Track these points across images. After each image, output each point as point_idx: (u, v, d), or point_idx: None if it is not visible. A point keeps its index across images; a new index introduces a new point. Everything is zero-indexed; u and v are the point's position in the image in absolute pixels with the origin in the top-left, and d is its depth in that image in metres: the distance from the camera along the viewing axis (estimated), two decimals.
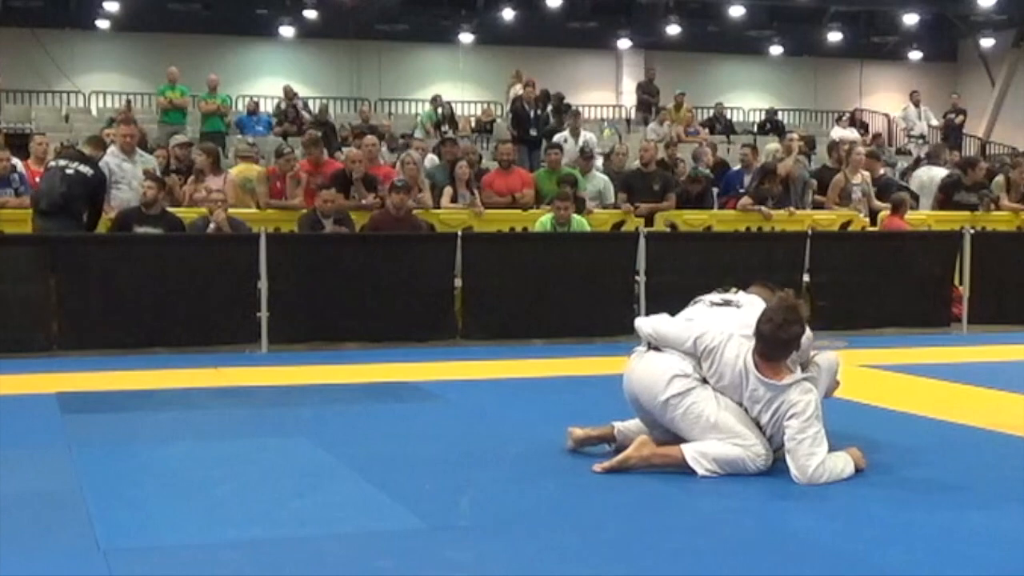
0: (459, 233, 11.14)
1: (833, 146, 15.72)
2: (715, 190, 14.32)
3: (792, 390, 5.44)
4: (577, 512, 4.97)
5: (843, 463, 5.42)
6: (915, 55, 28.16)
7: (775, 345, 5.46)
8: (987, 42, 27.67)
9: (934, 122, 23.77)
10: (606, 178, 13.53)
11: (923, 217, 13.69)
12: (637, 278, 11.13)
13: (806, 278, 11.42)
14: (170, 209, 10.99)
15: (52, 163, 11.11)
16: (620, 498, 5.18)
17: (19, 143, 15.14)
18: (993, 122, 27.54)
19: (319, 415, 7.26)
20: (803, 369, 5.57)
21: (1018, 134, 26.32)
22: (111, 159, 11.55)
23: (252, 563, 4.23)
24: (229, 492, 5.26)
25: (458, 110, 23.63)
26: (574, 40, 26.36)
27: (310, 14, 24.73)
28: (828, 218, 13.24)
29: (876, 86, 28.47)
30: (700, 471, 5.41)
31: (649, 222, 12.52)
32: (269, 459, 6.03)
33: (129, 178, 11.49)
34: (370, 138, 13.51)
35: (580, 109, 19.71)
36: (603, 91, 27.18)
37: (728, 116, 24.93)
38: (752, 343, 5.52)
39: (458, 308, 10.88)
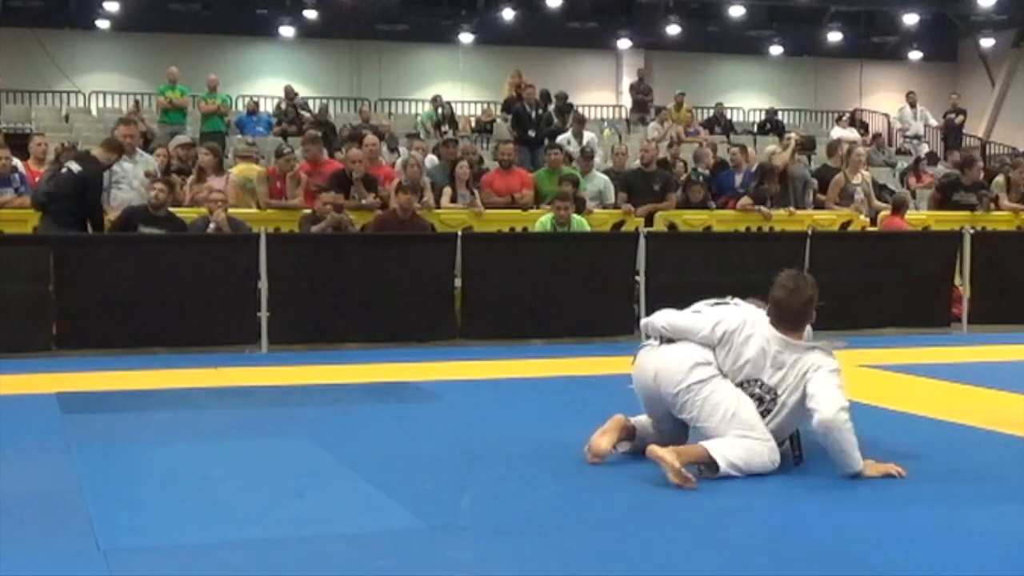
0: (459, 233, 11.15)
1: (833, 146, 15.72)
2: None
3: (815, 352, 5.54)
4: (577, 512, 4.97)
5: (856, 444, 5.43)
6: (915, 55, 28.16)
7: (791, 310, 5.57)
8: (987, 42, 27.67)
9: (933, 122, 23.76)
10: (606, 178, 13.53)
11: (923, 217, 13.70)
12: (637, 278, 11.13)
13: None
14: (171, 209, 10.99)
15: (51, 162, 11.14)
16: (620, 498, 5.18)
17: (19, 143, 15.11)
18: (993, 122, 27.53)
19: (319, 415, 7.26)
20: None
21: (1018, 134, 26.31)
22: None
23: (252, 563, 4.23)
24: (229, 492, 5.26)
25: (458, 110, 23.62)
26: (574, 40, 26.35)
27: (310, 14, 24.74)
28: (828, 218, 13.24)
29: (876, 86, 28.46)
30: (723, 465, 5.37)
31: (649, 222, 12.52)
32: (269, 459, 6.03)
33: (130, 178, 11.48)
34: (370, 138, 13.50)
35: (580, 109, 19.76)
36: (603, 91, 27.17)
37: (729, 116, 24.94)
38: (768, 319, 5.63)
39: (458, 308, 10.88)
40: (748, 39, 26.95)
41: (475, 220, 12.18)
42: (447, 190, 12.60)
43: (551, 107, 19.24)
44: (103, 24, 24.59)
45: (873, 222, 13.46)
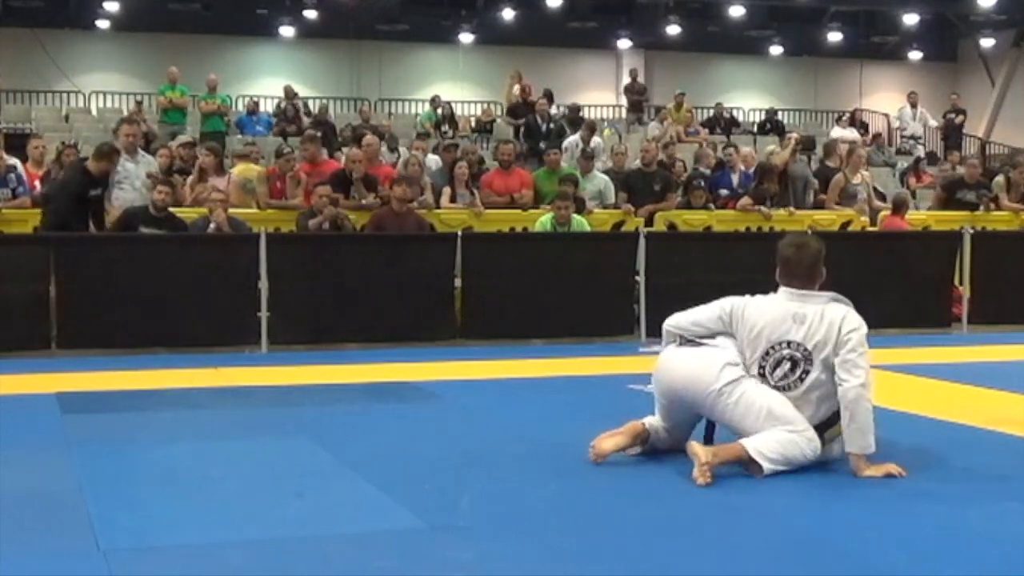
0: (459, 233, 11.15)
1: (831, 146, 15.73)
2: None
3: (838, 304, 5.62)
4: (577, 512, 4.96)
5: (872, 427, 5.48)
6: (915, 55, 28.16)
7: (803, 264, 5.67)
8: (987, 42, 27.66)
9: (932, 123, 23.76)
10: (606, 178, 13.53)
11: (923, 217, 13.70)
12: (637, 278, 11.13)
13: None
14: (172, 209, 10.99)
15: None
16: (620, 498, 5.18)
17: (19, 143, 15.12)
18: (993, 122, 27.53)
19: (319, 415, 7.26)
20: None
21: (1018, 134, 26.30)
22: None
23: (252, 563, 4.23)
24: (229, 492, 5.26)
25: (458, 110, 23.61)
26: (574, 40, 26.34)
27: (310, 14, 24.73)
28: (828, 218, 13.24)
29: (876, 86, 28.45)
30: (765, 466, 5.35)
31: (649, 222, 12.52)
32: (269, 459, 6.03)
33: (132, 178, 11.49)
34: (370, 138, 13.51)
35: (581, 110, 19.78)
36: (603, 91, 27.16)
37: (731, 115, 24.97)
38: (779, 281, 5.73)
39: (458, 308, 10.88)
40: (748, 39, 26.94)
41: (475, 220, 12.18)
42: (447, 190, 12.61)
43: (560, 116, 19.27)
44: (103, 24, 24.59)
45: (873, 222, 13.46)
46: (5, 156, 11.73)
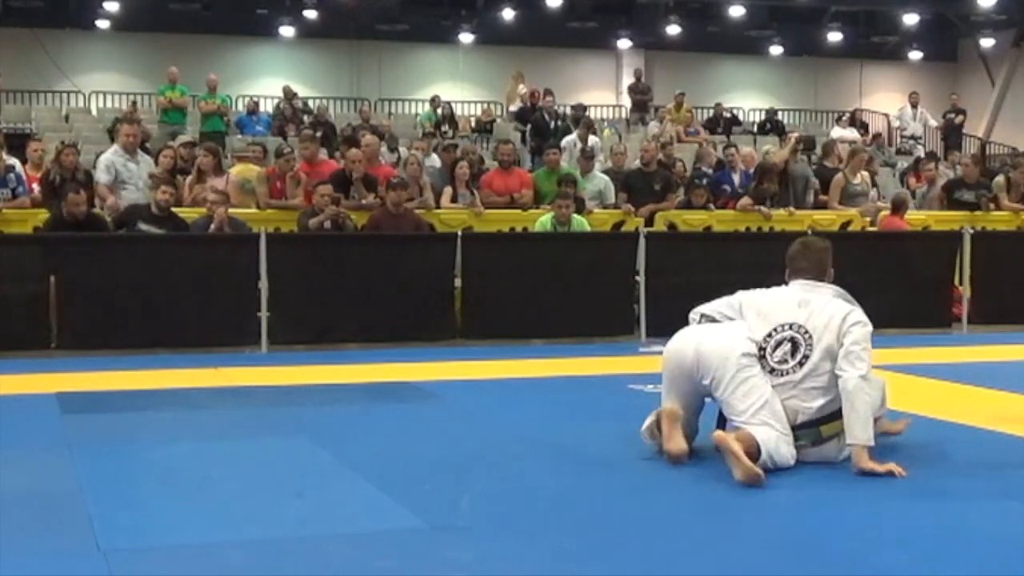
0: (459, 233, 11.15)
1: (829, 146, 15.72)
2: None
3: (841, 300, 5.73)
4: (577, 512, 4.96)
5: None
6: (915, 55, 28.15)
7: (810, 259, 5.83)
8: (987, 42, 27.65)
9: (933, 123, 23.76)
10: (606, 178, 13.53)
11: (923, 217, 13.70)
12: (637, 278, 11.13)
13: None
14: (172, 209, 10.98)
15: None
16: (620, 498, 5.18)
17: (19, 143, 15.12)
18: (993, 122, 27.53)
19: (319, 415, 7.26)
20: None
21: (1018, 134, 26.30)
22: (116, 159, 11.56)
23: (252, 563, 4.23)
24: (229, 492, 5.26)
25: (458, 110, 23.61)
26: (574, 40, 26.34)
27: (310, 14, 24.73)
28: (828, 218, 13.23)
29: (876, 86, 28.45)
30: (763, 457, 5.35)
31: (649, 222, 12.52)
32: (269, 459, 6.03)
33: (135, 179, 11.51)
34: (369, 138, 13.50)
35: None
36: (603, 91, 27.16)
37: (735, 114, 24.99)
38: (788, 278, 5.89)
39: (458, 308, 10.88)
40: (748, 39, 26.93)
41: (475, 220, 12.18)
42: (447, 190, 12.60)
43: (565, 115, 19.29)
44: (103, 24, 24.58)
45: (872, 222, 13.45)
46: (5, 156, 11.72)
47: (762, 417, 5.47)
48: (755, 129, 24.50)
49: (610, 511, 4.97)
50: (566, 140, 15.88)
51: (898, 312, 11.65)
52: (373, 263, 10.73)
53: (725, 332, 5.77)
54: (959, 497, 5.20)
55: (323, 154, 14.63)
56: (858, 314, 5.67)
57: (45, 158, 13.10)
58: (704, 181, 13.76)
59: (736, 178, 14.16)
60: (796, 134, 16.38)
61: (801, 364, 5.57)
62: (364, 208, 11.68)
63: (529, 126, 18.85)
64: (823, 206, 13.64)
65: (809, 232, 11.73)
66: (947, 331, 11.79)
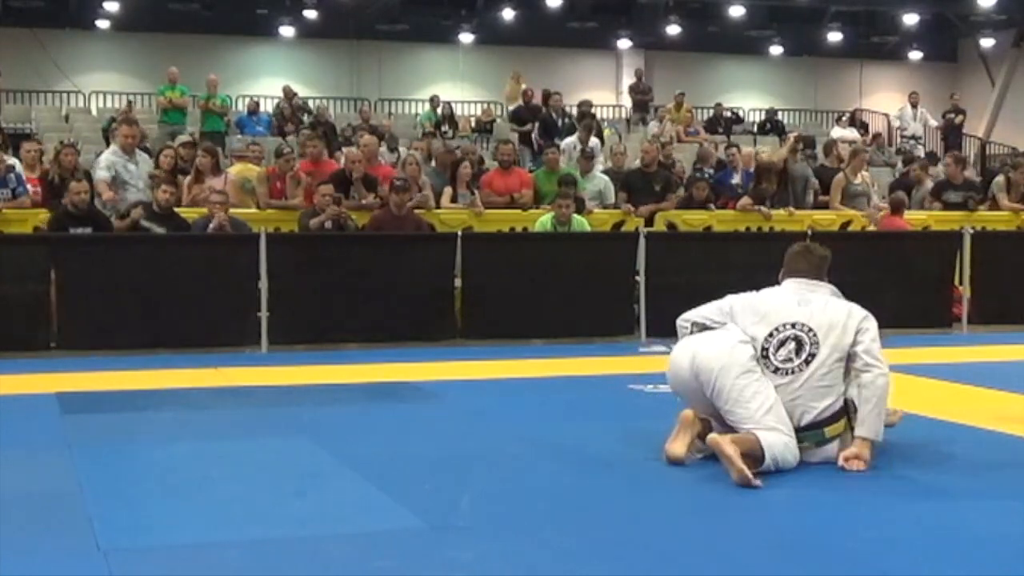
0: (459, 233, 11.15)
1: (830, 145, 15.71)
2: None
3: (841, 299, 5.75)
4: (577, 512, 4.96)
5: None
6: (915, 55, 28.15)
7: (810, 263, 5.85)
8: (987, 42, 27.66)
9: (933, 123, 23.76)
10: (606, 178, 13.52)
11: (923, 217, 13.70)
12: (637, 278, 11.13)
13: None
14: (173, 209, 10.99)
15: None
16: (620, 498, 5.18)
17: (20, 144, 15.12)
18: (993, 122, 27.53)
19: (319, 415, 7.26)
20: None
21: (1018, 134, 26.30)
22: (117, 159, 11.56)
23: (252, 563, 4.23)
24: (229, 492, 5.26)
25: (458, 110, 23.61)
26: (574, 40, 26.34)
27: (310, 14, 24.73)
28: (828, 218, 13.23)
29: (876, 86, 28.46)
30: (768, 460, 5.33)
31: (649, 222, 12.52)
32: (269, 459, 6.03)
33: (136, 179, 11.52)
34: (368, 138, 13.50)
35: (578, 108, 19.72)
36: (603, 91, 27.13)
37: (737, 114, 24.99)
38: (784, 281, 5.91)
39: (458, 308, 10.88)
40: (748, 39, 26.94)
41: (475, 220, 12.17)
42: (447, 190, 12.60)
43: (572, 114, 19.27)
44: (103, 24, 24.58)
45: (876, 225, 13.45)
46: (5, 157, 11.72)
47: (769, 422, 5.44)
48: (755, 129, 24.49)
49: (610, 511, 4.97)
50: (566, 142, 15.86)
51: (898, 312, 11.63)
52: (373, 263, 10.73)
53: (719, 339, 5.71)
54: (959, 497, 5.20)
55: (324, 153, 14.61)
56: (861, 309, 5.70)
57: (44, 158, 13.10)
58: (706, 174, 13.73)
59: (737, 178, 14.15)
60: (795, 134, 16.33)
61: (807, 362, 5.56)
62: (364, 208, 11.68)
63: (537, 124, 18.82)
64: (824, 206, 13.64)
65: (809, 232, 11.76)
66: (947, 331, 11.79)
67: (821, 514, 4.93)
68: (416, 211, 11.66)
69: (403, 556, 4.31)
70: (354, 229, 11.32)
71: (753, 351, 5.64)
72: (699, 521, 4.83)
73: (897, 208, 13.09)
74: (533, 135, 18.77)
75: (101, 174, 11.49)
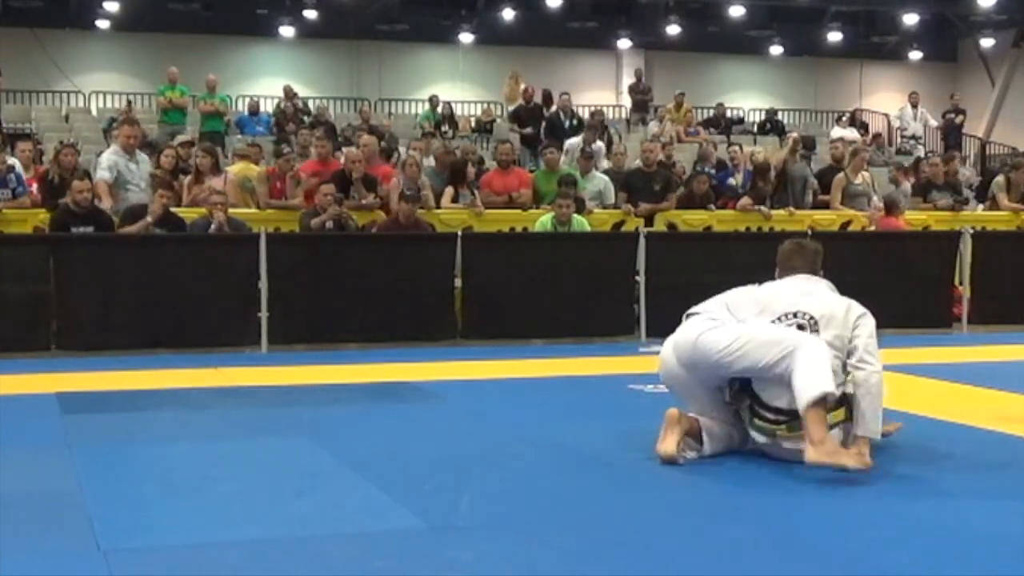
0: (459, 233, 11.15)
1: (834, 145, 15.71)
2: None
3: (838, 295, 5.80)
4: (577, 512, 4.96)
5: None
6: (915, 55, 28.16)
7: (804, 258, 5.91)
8: (987, 42, 27.66)
9: (933, 123, 23.77)
10: (606, 178, 13.53)
11: (923, 217, 13.70)
12: (637, 278, 11.13)
13: None
14: (172, 209, 10.98)
15: None
16: (620, 498, 5.18)
17: (16, 143, 15.11)
18: (993, 122, 27.54)
19: (319, 415, 7.26)
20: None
21: (1018, 134, 26.31)
22: (118, 159, 11.57)
23: (252, 563, 4.22)
24: (229, 492, 5.26)
25: (458, 110, 23.62)
26: (574, 40, 26.35)
27: (310, 14, 24.75)
28: (828, 218, 13.24)
29: (876, 86, 28.46)
30: (831, 389, 5.31)
31: (649, 222, 12.52)
32: (269, 459, 6.03)
33: (137, 179, 11.53)
34: (367, 138, 13.50)
35: (579, 109, 19.73)
36: (603, 91, 27.17)
37: (738, 114, 24.98)
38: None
39: (458, 308, 10.88)
40: (748, 39, 26.95)
41: (475, 220, 12.17)
42: (448, 190, 12.59)
43: (579, 116, 19.27)
44: (103, 24, 24.60)
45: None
46: (5, 157, 11.72)
47: (787, 362, 5.40)
48: (755, 129, 24.49)
49: (610, 511, 4.97)
50: (569, 143, 15.86)
51: (898, 312, 11.63)
52: (373, 263, 10.73)
53: (692, 323, 5.78)
54: (959, 497, 5.20)
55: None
56: (860, 306, 5.72)
57: (44, 158, 13.11)
58: (706, 169, 13.73)
59: (739, 178, 14.16)
60: (795, 134, 16.29)
61: None
62: (364, 208, 11.68)
63: (543, 124, 18.81)
64: (824, 206, 13.63)
65: (809, 232, 11.76)
66: (947, 331, 11.79)
67: (821, 514, 4.93)
68: (419, 212, 11.65)
69: (403, 556, 4.31)
70: (355, 229, 11.32)
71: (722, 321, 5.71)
72: (699, 521, 4.83)
73: (890, 208, 13.09)
74: (540, 132, 18.76)
75: (102, 175, 11.50)
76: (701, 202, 13.22)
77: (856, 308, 5.70)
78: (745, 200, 13.10)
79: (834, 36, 27.04)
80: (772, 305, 5.74)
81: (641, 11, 26.75)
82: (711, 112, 24.40)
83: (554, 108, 19.40)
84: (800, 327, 5.60)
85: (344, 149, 15.31)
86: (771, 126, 24.07)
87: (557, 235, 11.35)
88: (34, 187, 11.94)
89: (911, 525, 4.75)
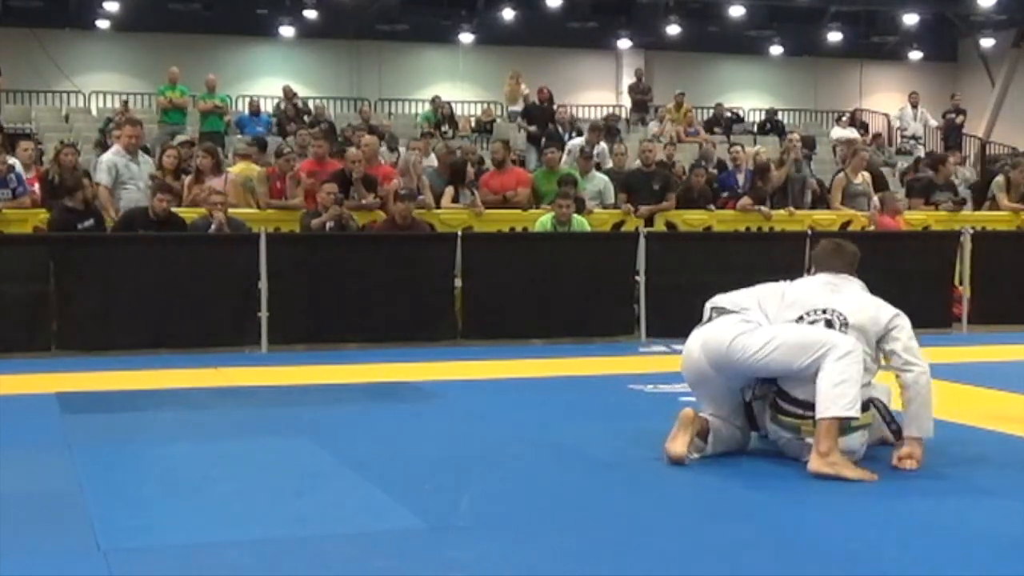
0: (459, 233, 11.15)
1: (837, 144, 15.70)
2: None
3: (869, 295, 5.80)
4: (577, 512, 4.96)
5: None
6: (915, 55, 28.16)
7: (842, 259, 5.88)
8: (987, 42, 27.66)
9: (933, 123, 23.76)
10: (606, 178, 13.52)
11: (923, 217, 13.70)
12: (637, 278, 11.13)
13: None
14: (172, 209, 10.98)
15: None
16: (621, 498, 5.18)
17: (17, 143, 15.11)
18: (993, 122, 27.53)
19: (319, 415, 7.26)
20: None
21: (1018, 134, 26.31)
22: (118, 159, 11.57)
23: (252, 563, 4.22)
24: (229, 492, 5.26)
25: (458, 110, 23.63)
26: (574, 40, 26.35)
27: (310, 14, 24.74)
28: (828, 218, 13.24)
29: (876, 86, 28.46)
30: (852, 414, 5.34)
31: (649, 222, 12.52)
32: (269, 459, 6.03)
33: (137, 179, 11.53)
34: (368, 138, 13.50)
35: (579, 109, 19.73)
36: (603, 91, 27.17)
37: (738, 114, 24.98)
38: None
39: (458, 308, 10.88)
40: (748, 39, 26.95)
41: (475, 220, 12.17)
42: (448, 190, 12.59)
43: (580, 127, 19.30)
44: (103, 24, 24.59)
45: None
46: (6, 157, 11.72)
47: (820, 364, 5.38)
48: (755, 129, 24.48)
49: (610, 511, 4.97)
50: (572, 144, 15.85)
51: None
52: (373, 263, 10.73)
53: (718, 324, 5.74)
54: (959, 496, 5.20)
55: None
56: (892, 307, 5.74)
57: (44, 158, 13.10)
58: (704, 164, 13.73)
59: (740, 178, 14.15)
60: (796, 139, 16.10)
61: None
62: (364, 208, 11.68)
63: (543, 138, 18.83)
64: (827, 206, 13.63)
65: (809, 232, 11.77)
66: (947, 331, 11.79)
67: (821, 514, 4.93)
68: (417, 211, 11.64)
69: (403, 556, 4.31)
70: (355, 229, 11.32)
71: (756, 324, 5.67)
72: (699, 521, 4.83)
73: (882, 208, 13.08)
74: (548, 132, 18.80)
75: (103, 178, 11.49)
76: (700, 197, 13.22)
77: (888, 309, 5.70)
78: (745, 200, 13.10)
79: (834, 36, 27.03)
80: (800, 301, 5.73)
81: (641, 11, 26.74)
82: (711, 112, 24.38)
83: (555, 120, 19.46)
84: (828, 323, 5.60)
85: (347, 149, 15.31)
86: (771, 126, 24.06)
87: (557, 235, 11.35)
88: (35, 187, 11.94)
89: (911, 525, 4.75)
